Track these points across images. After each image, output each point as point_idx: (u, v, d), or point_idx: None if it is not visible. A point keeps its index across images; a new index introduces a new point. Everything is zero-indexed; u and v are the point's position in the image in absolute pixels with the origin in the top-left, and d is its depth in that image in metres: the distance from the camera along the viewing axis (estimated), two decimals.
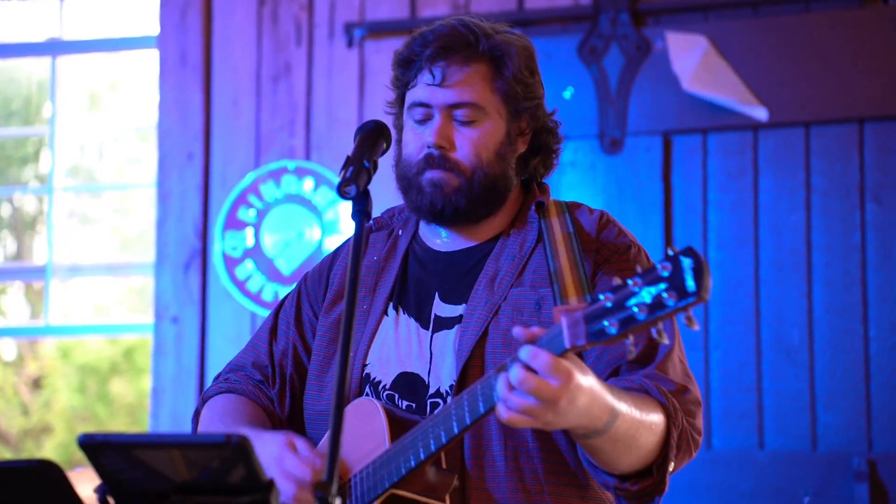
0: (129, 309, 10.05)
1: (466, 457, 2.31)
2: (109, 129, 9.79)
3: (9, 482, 1.93)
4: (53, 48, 5.88)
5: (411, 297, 2.47)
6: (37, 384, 10.42)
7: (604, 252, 2.39)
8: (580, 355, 2.30)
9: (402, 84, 2.46)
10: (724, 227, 4.71)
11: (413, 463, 2.18)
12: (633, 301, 1.86)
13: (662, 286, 1.83)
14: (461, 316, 2.39)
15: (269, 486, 1.77)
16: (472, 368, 2.32)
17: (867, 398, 4.53)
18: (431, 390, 2.36)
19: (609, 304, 1.89)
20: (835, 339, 4.58)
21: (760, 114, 4.69)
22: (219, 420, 2.50)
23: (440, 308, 2.43)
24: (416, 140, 2.42)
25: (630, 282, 1.87)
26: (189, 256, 5.24)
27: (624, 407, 2.09)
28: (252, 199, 5.18)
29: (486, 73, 2.41)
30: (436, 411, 2.22)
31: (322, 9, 5.25)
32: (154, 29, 5.47)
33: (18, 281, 9.09)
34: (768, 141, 4.72)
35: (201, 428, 2.56)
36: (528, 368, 1.97)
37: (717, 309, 4.68)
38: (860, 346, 4.55)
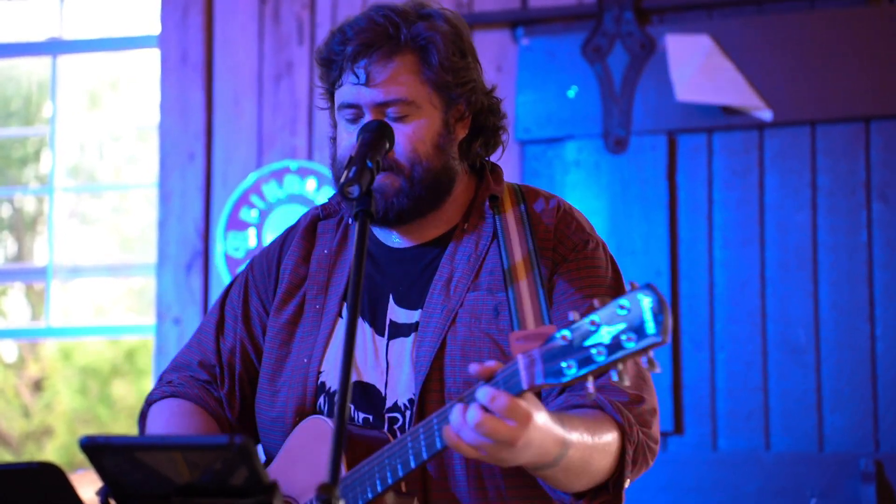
0: (128, 310, 10.04)
1: (431, 476, 2.25)
2: (110, 128, 9.77)
3: (10, 485, 1.92)
4: (54, 47, 5.86)
5: (364, 298, 2.36)
6: (38, 386, 10.41)
7: (560, 249, 2.30)
8: None
9: (329, 83, 2.36)
10: (729, 227, 4.69)
11: (370, 495, 2.10)
12: (591, 341, 1.79)
13: (622, 326, 1.76)
14: (417, 323, 2.31)
15: (272, 488, 1.75)
16: (431, 383, 2.25)
17: (874, 398, 4.51)
18: (389, 403, 2.28)
19: (565, 343, 1.82)
20: (841, 339, 4.56)
21: (765, 113, 4.67)
22: (165, 430, 2.39)
23: (395, 313, 2.34)
24: (349, 139, 2.30)
25: (588, 319, 1.80)
26: (191, 257, 5.22)
27: (576, 436, 2.04)
28: (254, 199, 5.16)
29: (412, 64, 2.28)
30: (392, 442, 2.12)
31: (324, 7, 5.23)
32: (155, 28, 5.46)
33: (19, 282, 9.08)
34: (774, 140, 4.70)
35: None
36: (486, 409, 1.91)
37: (722, 309, 4.66)
38: (867, 346, 4.54)
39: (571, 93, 4.87)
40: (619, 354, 1.77)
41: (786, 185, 4.67)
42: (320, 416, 2.29)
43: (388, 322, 2.34)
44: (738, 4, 4.81)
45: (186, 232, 5.25)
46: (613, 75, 4.85)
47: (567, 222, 2.34)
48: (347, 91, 2.30)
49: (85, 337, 8.96)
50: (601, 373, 1.80)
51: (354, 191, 2.11)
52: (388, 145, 2.24)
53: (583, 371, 1.80)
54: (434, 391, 2.23)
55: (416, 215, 2.32)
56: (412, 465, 2.06)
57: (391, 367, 2.30)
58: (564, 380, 1.83)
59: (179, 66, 5.34)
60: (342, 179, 2.13)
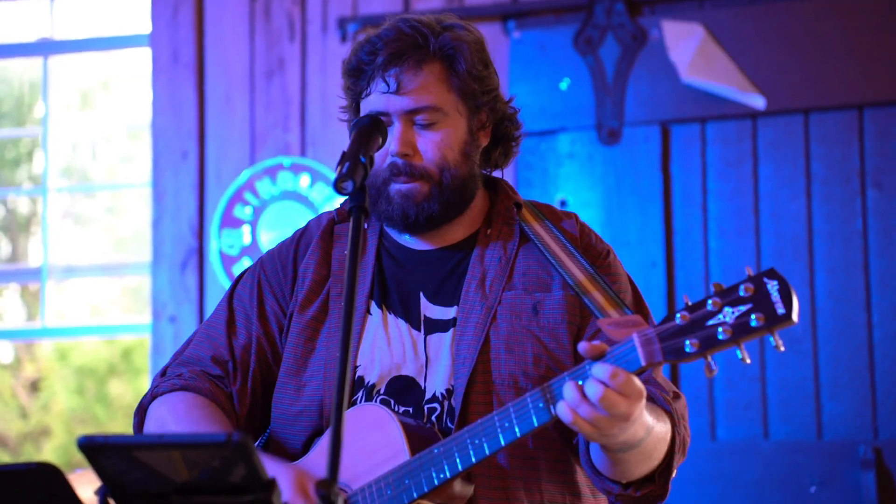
0: (123, 309, 10.03)
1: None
2: (102, 128, 9.75)
3: (8, 486, 1.91)
4: (45, 48, 5.85)
5: (394, 296, 2.44)
6: (34, 387, 10.40)
7: (587, 257, 2.40)
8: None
9: (355, 93, 2.42)
10: (724, 217, 4.69)
11: (449, 473, 2.18)
12: (713, 321, 1.92)
13: (745, 307, 1.90)
14: (455, 319, 2.39)
15: (271, 484, 1.75)
16: (475, 374, 2.32)
17: (872, 386, 4.51)
18: (427, 395, 2.36)
19: (684, 323, 1.95)
20: (838, 327, 4.56)
21: (758, 102, 4.67)
22: (177, 423, 2.40)
23: (429, 309, 2.42)
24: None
25: (710, 301, 1.93)
26: (185, 255, 5.22)
27: (651, 421, 2.16)
28: (248, 196, 5.15)
29: (440, 72, 2.37)
30: (474, 423, 2.19)
31: (315, 3, 5.22)
32: (146, 27, 5.45)
33: (14, 283, 9.06)
34: (767, 129, 4.70)
35: (155, 428, 2.44)
36: (605, 385, 2.01)
37: None
38: (864, 334, 4.54)
39: (564, 85, 4.87)
40: (746, 333, 1.92)
41: (780, 173, 4.67)
42: (375, 404, 2.35)
43: (422, 318, 2.42)
44: None
45: (181, 230, 5.24)
46: (605, 67, 4.84)
47: (587, 233, 2.46)
48: (377, 99, 2.37)
49: (81, 337, 8.96)
50: (721, 350, 1.93)
51: (348, 186, 2.13)
52: (380, 140, 2.29)
53: (705, 348, 1.93)
54: (478, 382, 2.31)
55: (444, 220, 2.41)
56: (502, 442, 2.14)
57: (430, 361, 2.38)
58: (684, 357, 1.95)
59: (171, 64, 5.33)
60: (335, 175, 2.15)
